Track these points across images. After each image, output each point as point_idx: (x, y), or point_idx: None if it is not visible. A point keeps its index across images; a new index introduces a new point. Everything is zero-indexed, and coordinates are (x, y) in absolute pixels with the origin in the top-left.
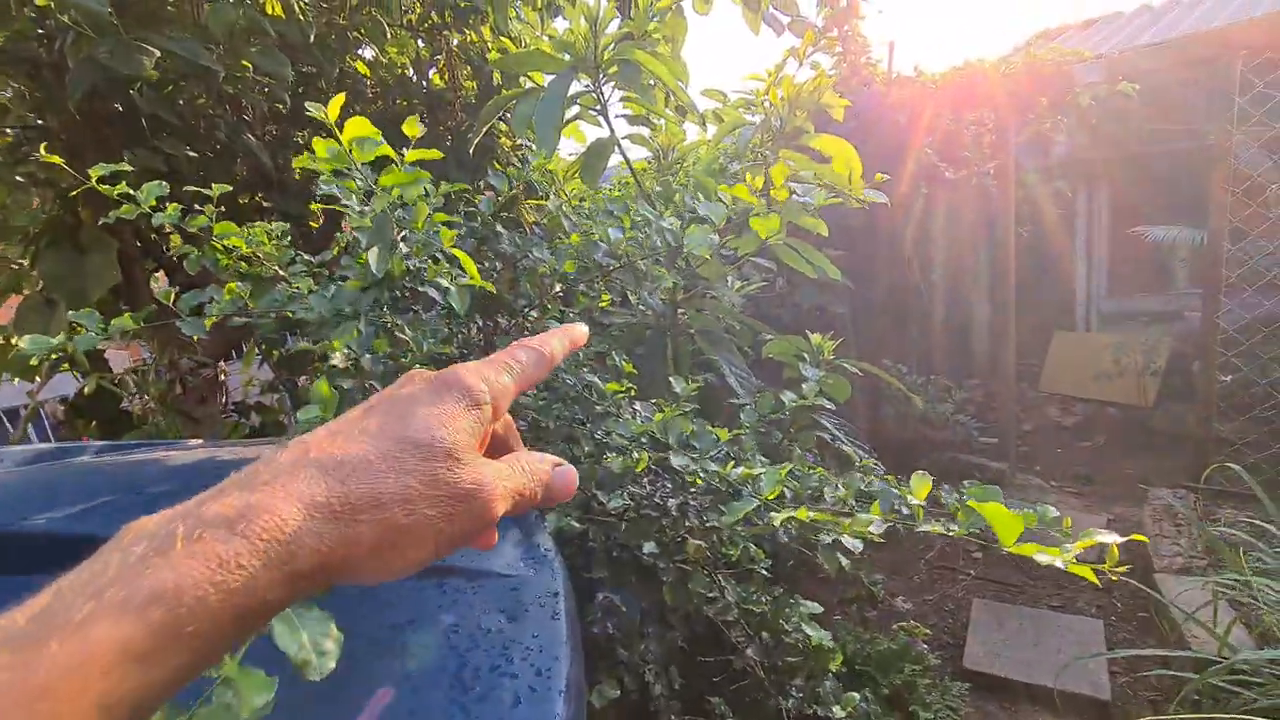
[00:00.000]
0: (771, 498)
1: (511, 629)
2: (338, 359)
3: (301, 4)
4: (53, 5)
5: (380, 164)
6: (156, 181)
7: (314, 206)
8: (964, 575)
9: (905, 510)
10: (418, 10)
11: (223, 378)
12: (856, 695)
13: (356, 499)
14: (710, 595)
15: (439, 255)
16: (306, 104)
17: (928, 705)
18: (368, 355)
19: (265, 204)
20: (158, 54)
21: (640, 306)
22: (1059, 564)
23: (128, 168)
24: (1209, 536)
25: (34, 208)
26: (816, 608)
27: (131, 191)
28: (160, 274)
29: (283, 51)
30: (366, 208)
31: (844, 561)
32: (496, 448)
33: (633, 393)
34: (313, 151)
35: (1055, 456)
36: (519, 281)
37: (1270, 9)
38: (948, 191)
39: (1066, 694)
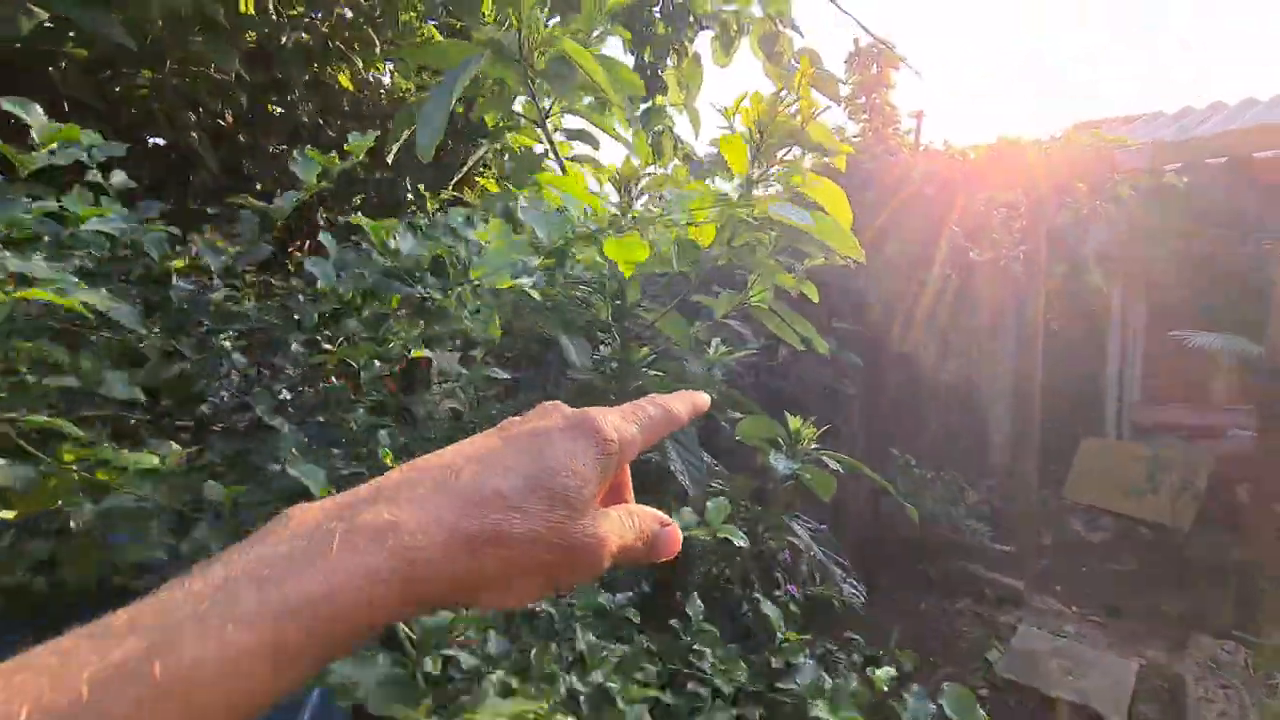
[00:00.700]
0: None
1: None
2: None
3: (276, 5)
4: None
5: None
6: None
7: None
8: None
9: None
10: (422, 33)
11: None
12: None
13: (490, 535)
14: None
15: None
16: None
17: None
18: None
19: (212, 212)
20: (44, 16)
21: (570, 368)
22: None
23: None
24: (1271, 713)
25: None
26: None
27: None
28: None
29: (256, 54)
30: None
31: None
32: (611, 495)
33: None
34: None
35: (1078, 577)
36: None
37: None
38: (972, 273)
39: None
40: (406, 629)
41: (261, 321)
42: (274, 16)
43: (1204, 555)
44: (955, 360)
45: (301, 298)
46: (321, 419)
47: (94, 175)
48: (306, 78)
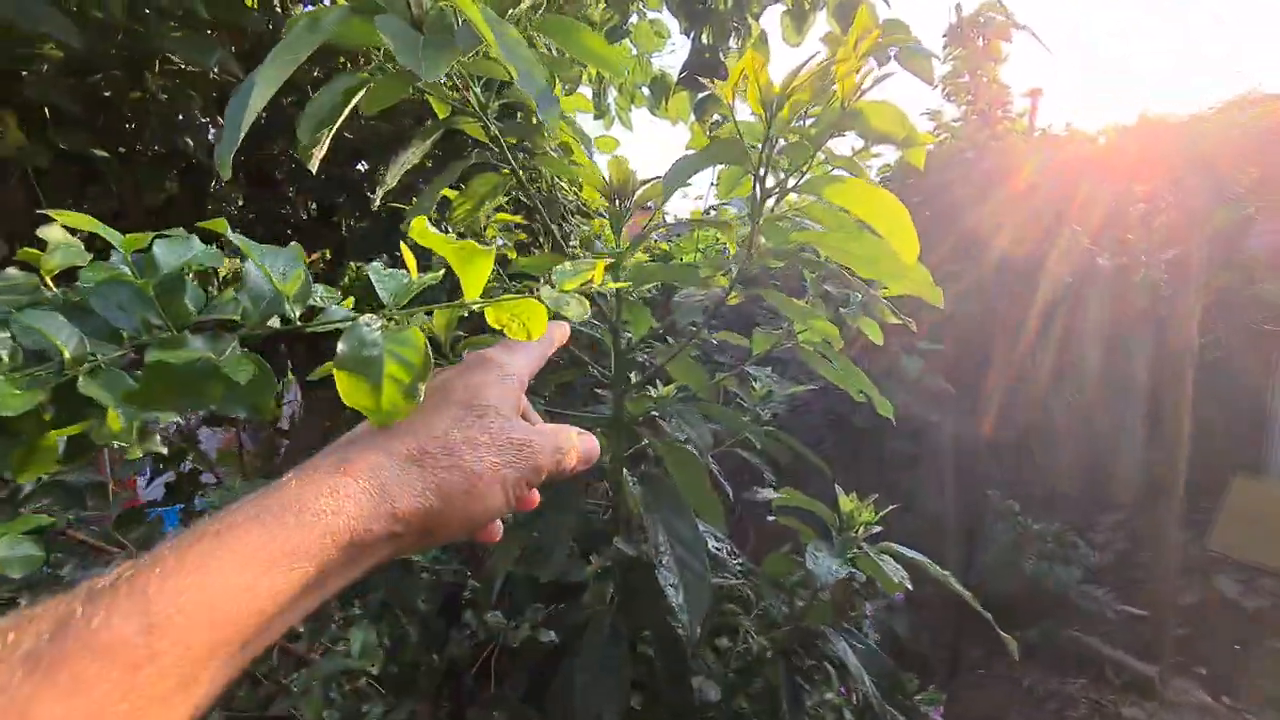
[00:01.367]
0: None
1: None
2: None
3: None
4: None
5: None
6: None
7: None
8: None
9: None
10: None
11: None
12: None
13: (433, 448)
14: None
15: None
16: None
17: None
18: None
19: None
20: None
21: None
22: None
23: None
24: None
25: None
26: None
27: None
28: None
29: (256, 50)
30: None
31: None
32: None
33: None
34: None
35: (1230, 656)
36: None
37: None
38: (1101, 284)
39: None
40: None
41: None
42: (278, 9)
43: None
44: (1072, 384)
45: None
46: None
47: None
48: (316, 74)
